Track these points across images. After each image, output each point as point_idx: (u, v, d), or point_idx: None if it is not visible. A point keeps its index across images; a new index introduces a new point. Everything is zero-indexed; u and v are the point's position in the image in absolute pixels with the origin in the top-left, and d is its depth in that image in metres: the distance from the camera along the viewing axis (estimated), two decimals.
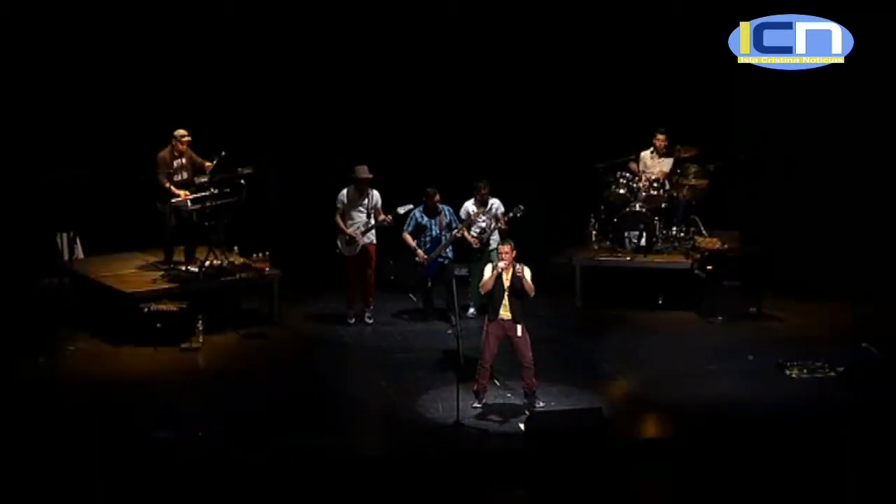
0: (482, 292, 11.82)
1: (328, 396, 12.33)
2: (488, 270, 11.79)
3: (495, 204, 14.42)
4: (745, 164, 16.06)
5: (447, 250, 14.47)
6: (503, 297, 11.65)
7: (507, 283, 11.62)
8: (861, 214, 15.98)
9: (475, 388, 11.89)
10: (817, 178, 16.16)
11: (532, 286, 11.64)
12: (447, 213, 14.49)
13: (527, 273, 11.61)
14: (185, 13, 15.95)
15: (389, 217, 14.26)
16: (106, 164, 15.24)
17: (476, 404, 11.85)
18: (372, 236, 14.39)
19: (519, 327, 11.67)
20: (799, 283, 15.34)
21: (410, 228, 14.38)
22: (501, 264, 11.63)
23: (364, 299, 14.59)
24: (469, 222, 14.40)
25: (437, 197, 14.40)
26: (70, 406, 11.74)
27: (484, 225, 14.40)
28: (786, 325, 14.37)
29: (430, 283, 14.60)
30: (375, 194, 14.30)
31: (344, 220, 14.28)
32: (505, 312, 11.67)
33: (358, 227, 14.28)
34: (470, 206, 14.43)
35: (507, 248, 11.70)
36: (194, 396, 12.13)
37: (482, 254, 14.35)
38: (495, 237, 14.29)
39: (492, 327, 11.77)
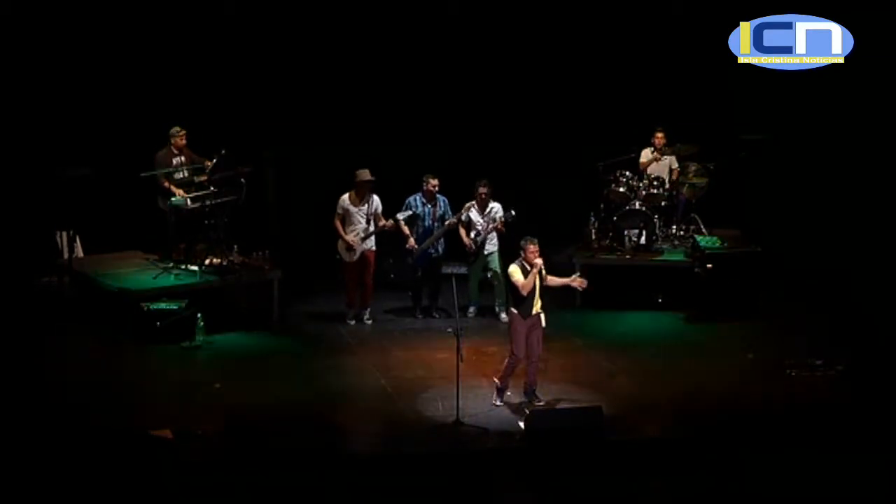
0: (524, 294, 11.70)
1: (328, 396, 12.33)
2: (517, 271, 11.77)
3: (495, 207, 14.36)
4: (745, 162, 16.07)
5: (439, 243, 14.45)
6: (535, 292, 11.74)
7: (537, 279, 11.74)
8: (861, 214, 15.96)
9: (499, 384, 11.89)
10: (818, 177, 16.14)
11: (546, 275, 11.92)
12: (442, 203, 14.46)
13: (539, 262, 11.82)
14: (184, 13, 15.94)
15: (390, 222, 14.20)
16: (106, 163, 15.23)
17: (497, 402, 11.86)
18: (371, 243, 14.32)
19: (543, 317, 11.83)
20: (798, 281, 15.35)
21: (406, 215, 14.31)
22: (539, 261, 11.69)
23: (362, 303, 14.57)
24: (462, 215, 14.30)
25: (435, 182, 14.36)
26: (70, 406, 11.72)
27: (480, 227, 14.36)
28: (786, 324, 14.37)
29: (419, 273, 14.57)
30: (376, 199, 14.23)
31: (344, 226, 14.24)
32: (537, 307, 11.79)
33: (357, 234, 14.21)
34: (472, 211, 14.39)
35: (534, 246, 11.72)
36: (194, 396, 12.13)
37: (476, 258, 14.34)
38: (493, 243, 14.29)
39: (523, 324, 11.80)
